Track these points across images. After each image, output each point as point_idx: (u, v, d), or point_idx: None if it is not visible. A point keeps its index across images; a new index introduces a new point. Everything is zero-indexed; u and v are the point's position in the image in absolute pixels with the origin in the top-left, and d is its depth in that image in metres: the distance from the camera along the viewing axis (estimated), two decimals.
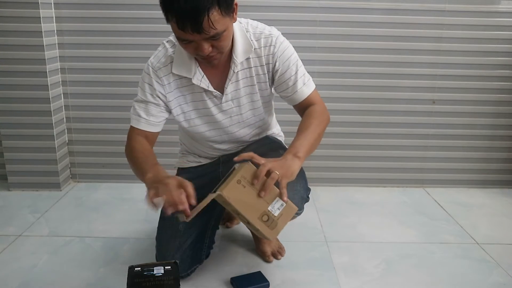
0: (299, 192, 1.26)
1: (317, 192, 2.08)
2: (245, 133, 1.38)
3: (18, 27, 1.89)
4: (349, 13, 2.02)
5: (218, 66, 1.23)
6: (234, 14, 1.12)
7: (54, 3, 1.98)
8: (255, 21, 1.28)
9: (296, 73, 1.27)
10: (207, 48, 1.08)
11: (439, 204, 2.04)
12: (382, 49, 2.06)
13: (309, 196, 1.35)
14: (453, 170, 2.23)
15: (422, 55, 2.08)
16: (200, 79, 1.23)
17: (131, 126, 1.28)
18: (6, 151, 2.06)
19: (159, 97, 1.25)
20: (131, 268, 1.06)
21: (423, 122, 2.16)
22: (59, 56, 2.05)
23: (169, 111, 1.30)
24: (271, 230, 1.11)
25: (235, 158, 1.12)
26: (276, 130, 1.52)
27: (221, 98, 1.27)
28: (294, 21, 2.00)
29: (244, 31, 1.23)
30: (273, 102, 1.43)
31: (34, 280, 1.37)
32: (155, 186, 1.06)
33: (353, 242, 1.64)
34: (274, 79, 1.29)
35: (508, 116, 2.16)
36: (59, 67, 2.06)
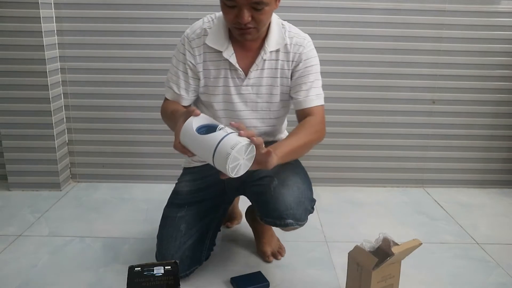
0: (303, 204, 1.26)
1: (317, 192, 2.06)
2: (255, 125, 1.37)
3: (18, 27, 1.89)
4: (349, 13, 2.02)
5: (249, 49, 1.28)
6: (278, 0, 1.19)
7: (54, 3, 1.98)
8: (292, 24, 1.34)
9: (313, 82, 1.32)
10: (247, 16, 1.13)
11: (439, 204, 2.04)
12: (382, 49, 2.07)
13: (314, 207, 1.34)
14: (453, 170, 2.23)
15: (422, 55, 2.08)
16: (230, 55, 1.27)
17: (165, 97, 1.37)
18: (6, 151, 2.06)
19: (189, 67, 1.30)
20: (131, 268, 1.06)
21: (423, 122, 2.16)
22: (59, 56, 2.05)
23: (198, 79, 1.33)
24: None
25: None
26: (284, 136, 1.51)
27: (243, 80, 1.30)
28: (294, 21, 1.98)
29: (281, 25, 1.30)
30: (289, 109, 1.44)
31: (34, 280, 1.37)
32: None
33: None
34: (292, 78, 1.32)
35: (507, 116, 2.16)
36: (59, 67, 2.06)
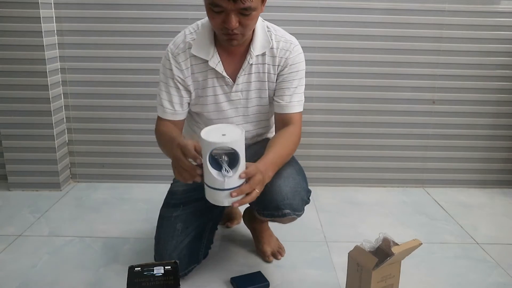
0: (299, 193, 1.27)
1: (317, 192, 2.08)
2: (248, 129, 1.38)
3: (18, 27, 1.89)
4: (349, 13, 2.02)
5: (235, 55, 1.28)
6: (263, 4, 1.18)
7: (54, 3, 1.98)
8: (276, 26, 1.34)
9: (296, 87, 1.32)
10: (234, 22, 1.12)
11: (439, 204, 2.04)
12: (382, 49, 2.07)
13: (310, 198, 1.36)
14: (453, 170, 2.23)
15: (422, 55, 2.08)
16: (216, 63, 1.27)
17: (158, 116, 1.35)
18: (6, 151, 2.06)
19: (179, 82, 1.30)
20: (131, 268, 1.07)
21: (423, 122, 2.16)
22: (59, 56, 2.05)
23: (190, 92, 1.33)
24: None
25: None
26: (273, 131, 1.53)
27: (232, 87, 1.30)
28: (294, 21, 2.00)
29: (265, 28, 1.29)
30: None
31: (34, 280, 1.37)
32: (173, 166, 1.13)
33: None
34: (276, 81, 1.33)
35: (508, 116, 2.16)
36: (59, 67, 2.06)
